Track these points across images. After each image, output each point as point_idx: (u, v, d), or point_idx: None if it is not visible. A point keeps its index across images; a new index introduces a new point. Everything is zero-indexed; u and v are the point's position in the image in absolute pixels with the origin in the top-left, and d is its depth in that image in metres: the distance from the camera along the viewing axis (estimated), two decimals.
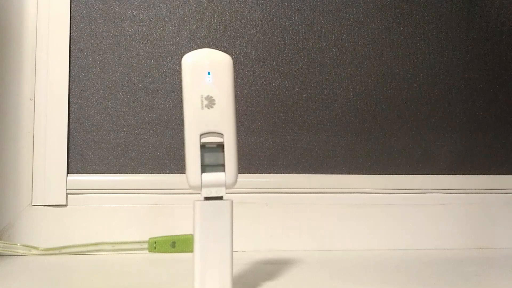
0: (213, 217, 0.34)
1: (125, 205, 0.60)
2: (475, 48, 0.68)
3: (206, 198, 0.34)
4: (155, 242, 0.37)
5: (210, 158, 0.34)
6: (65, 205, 0.59)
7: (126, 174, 0.61)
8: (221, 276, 0.35)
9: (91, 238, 0.59)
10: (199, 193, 0.34)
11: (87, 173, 0.60)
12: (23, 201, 0.58)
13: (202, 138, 0.33)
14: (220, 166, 0.34)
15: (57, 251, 0.55)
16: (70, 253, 0.55)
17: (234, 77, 0.35)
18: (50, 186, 0.59)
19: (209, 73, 0.33)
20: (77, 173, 0.60)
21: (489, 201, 0.68)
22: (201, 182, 0.33)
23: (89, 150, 0.60)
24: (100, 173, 0.60)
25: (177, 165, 0.61)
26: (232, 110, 0.34)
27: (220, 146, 0.34)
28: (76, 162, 0.60)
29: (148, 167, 0.61)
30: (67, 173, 0.60)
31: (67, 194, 0.59)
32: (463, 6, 0.67)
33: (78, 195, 0.60)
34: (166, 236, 0.37)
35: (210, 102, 0.33)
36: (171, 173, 0.61)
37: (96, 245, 0.55)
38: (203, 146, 0.34)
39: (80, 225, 0.59)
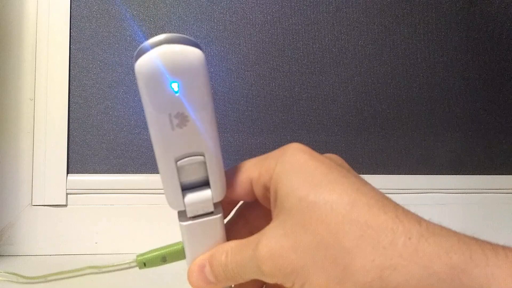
0: (203, 234, 0.30)
1: (125, 205, 0.60)
2: (475, 48, 0.68)
3: (193, 217, 0.29)
4: (144, 264, 0.34)
5: (190, 177, 0.28)
6: (65, 205, 0.59)
7: (126, 174, 0.61)
8: None
9: (91, 238, 0.59)
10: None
11: (87, 173, 0.60)
12: (23, 201, 0.58)
13: (179, 162, 0.27)
14: (204, 180, 0.28)
15: (43, 279, 0.53)
16: (56, 279, 0.53)
17: (210, 77, 0.26)
18: (50, 186, 0.59)
19: (174, 81, 0.24)
20: (77, 173, 0.60)
21: (489, 201, 0.67)
22: (184, 204, 0.28)
23: (89, 150, 0.60)
24: (100, 173, 0.60)
25: None
26: (212, 123, 0.26)
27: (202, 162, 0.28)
28: (76, 162, 0.60)
29: (148, 167, 0.61)
30: (67, 173, 0.59)
31: (67, 194, 0.59)
32: (463, 6, 0.67)
33: (78, 195, 0.60)
34: (155, 251, 0.34)
35: (181, 120, 0.25)
36: None
37: (82, 270, 0.53)
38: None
39: (80, 225, 0.59)
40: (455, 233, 0.24)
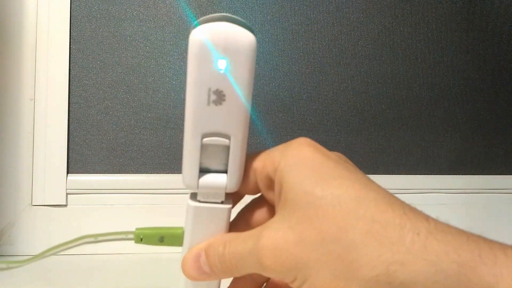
0: (208, 222, 0.30)
1: (125, 205, 0.60)
2: (475, 48, 0.68)
3: (202, 202, 0.29)
4: (141, 238, 0.33)
5: (210, 159, 0.28)
6: (65, 205, 0.59)
7: (126, 174, 0.61)
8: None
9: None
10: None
11: (87, 173, 0.60)
12: (23, 201, 0.58)
13: (205, 138, 0.27)
14: (222, 167, 0.29)
15: (40, 257, 0.52)
16: (53, 254, 0.53)
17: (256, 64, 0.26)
18: (50, 186, 0.59)
19: (222, 58, 0.25)
20: (77, 173, 0.60)
21: (490, 201, 0.67)
22: (198, 185, 0.28)
23: (89, 150, 0.60)
24: (100, 173, 0.60)
25: (177, 165, 0.61)
26: (246, 108, 0.26)
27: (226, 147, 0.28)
28: (76, 162, 0.60)
29: (148, 167, 0.61)
30: (67, 173, 0.60)
31: (67, 194, 0.59)
32: (463, 6, 0.67)
33: (78, 195, 0.60)
34: (154, 229, 0.34)
35: (219, 97, 0.26)
36: (171, 173, 0.61)
37: (77, 240, 0.53)
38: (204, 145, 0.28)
39: (80, 225, 0.59)
40: (463, 232, 0.23)
